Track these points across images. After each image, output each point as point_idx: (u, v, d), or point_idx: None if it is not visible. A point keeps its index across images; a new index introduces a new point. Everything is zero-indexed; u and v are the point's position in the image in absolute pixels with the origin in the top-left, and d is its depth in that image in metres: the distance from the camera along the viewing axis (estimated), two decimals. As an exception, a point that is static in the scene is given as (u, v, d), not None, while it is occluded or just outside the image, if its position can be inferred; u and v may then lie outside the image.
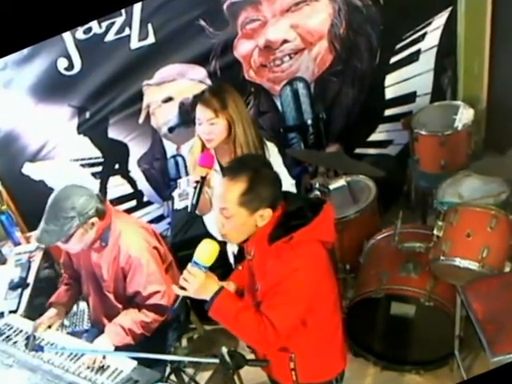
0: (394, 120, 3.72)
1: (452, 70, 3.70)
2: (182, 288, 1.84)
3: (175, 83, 3.37)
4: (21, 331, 2.50)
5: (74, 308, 2.95)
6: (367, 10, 3.38)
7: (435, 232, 2.66)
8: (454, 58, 3.66)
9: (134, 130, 3.47)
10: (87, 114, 3.35)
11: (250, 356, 2.07)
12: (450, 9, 3.50)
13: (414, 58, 3.59)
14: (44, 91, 3.22)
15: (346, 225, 3.14)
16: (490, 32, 3.53)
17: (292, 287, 1.83)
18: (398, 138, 3.79)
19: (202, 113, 2.36)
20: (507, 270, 2.56)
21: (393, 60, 3.58)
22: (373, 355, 2.97)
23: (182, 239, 3.22)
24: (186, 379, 2.82)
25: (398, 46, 3.55)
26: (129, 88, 3.33)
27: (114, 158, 3.55)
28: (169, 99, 3.42)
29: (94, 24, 3.05)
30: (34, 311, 2.78)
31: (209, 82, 3.36)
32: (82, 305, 2.97)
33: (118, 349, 2.36)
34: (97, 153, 3.49)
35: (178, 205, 3.41)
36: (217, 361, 1.85)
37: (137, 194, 3.67)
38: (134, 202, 3.68)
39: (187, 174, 3.30)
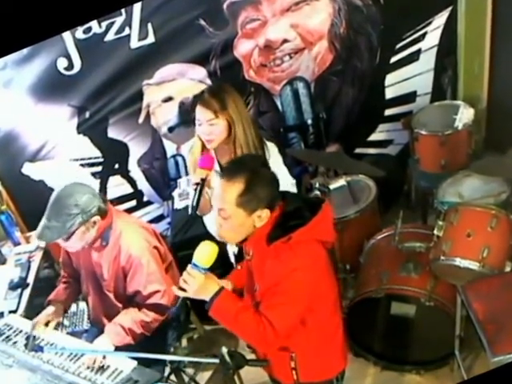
0: (394, 120, 3.72)
1: (452, 70, 3.70)
2: (182, 289, 1.86)
3: (175, 83, 3.37)
4: (21, 331, 2.50)
5: (74, 308, 2.95)
6: (367, 9, 3.38)
7: (435, 232, 2.65)
8: (455, 57, 3.65)
9: (133, 129, 3.46)
10: (87, 114, 3.35)
11: (250, 356, 2.07)
12: (450, 8, 3.50)
13: (414, 57, 3.59)
14: (44, 91, 3.22)
15: (346, 225, 3.14)
16: (490, 31, 3.52)
17: (291, 287, 1.83)
18: (398, 137, 3.79)
19: (201, 114, 2.35)
20: (508, 269, 2.55)
21: (393, 59, 3.58)
22: (373, 355, 2.96)
23: (182, 239, 3.22)
24: (186, 379, 2.82)
25: (399, 46, 3.55)
26: (129, 88, 3.33)
27: (113, 158, 3.54)
28: (169, 99, 3.41)
29: (93, 24, 3.05)
30: (33, 311, 2.78)
31: (209, 81, 3.36)
32: (82, 305, 2.97)
33: (117, 349, 2.36)
34: (97, 152, 3.49)
35: (178, 204, 3.41)
36: (217, 361, 1.85)
37: (137, 194, 3.67)
38: (133, 202, 3.68)
39: (187, 173, 3.31)
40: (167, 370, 2.64)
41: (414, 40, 3.54)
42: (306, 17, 3.31)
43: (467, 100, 3.52)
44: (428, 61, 3.61)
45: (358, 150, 3.78)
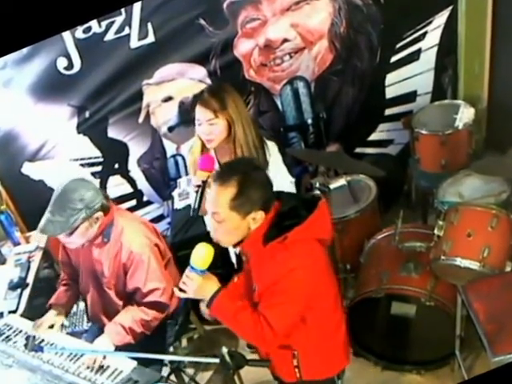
0: (395, 119, 3.71)
1: (453, 69, 3.69)
2: (182, 290, 1.90)
3: (175, 82, 3.36)
4: (20, 331, 2.51)
5: (74, 308, 2.95)
6: (367, 8, 3.37)
7: (436, 231, 2.65)
8: (455, 57, 3.65)
9: (133, 129, 3.46)
10: (87, 114, 3.35)
11: (250, 356, 2.08)
12: (450, 8, 3.49)
13: (414, 57, 3.58)
14: (43, 90, 3.21)
15: (346, 224, 3.14)
16: (490, 31, 3.52)
17: (288, 287, 1.84)
18: (398, 137, 3.79)
19: (201, 113, 2.35)
20: (508, 269, 2.55)
21: (393, 59, 3.57)
22: (373, 355, 2.96)
23: (182, 239, 3.22)
24: (186, 379, 2.82)
25: (399, 45, 3.54)
26: (128, 87, 3.32)
27: (113, 158, 3.54)
28: (169, 98, 3.41)
29: (93, 23, 3.04)
30: (33, 311, 2.78)
31: (209, 81, 3.36)
32: (82, 305, 2.97)
33: (118, 348, 2.36)
34: (96, 152, 3.49)
35: (178, 204, 3.41)
36: (217, 361, 1.85)
37: (136, 194, 3.67)
38: (133, 202, 3.68)
39: (187, 173, 3.31)
40: (167, 370, 2.65)
41: (414, 39, 3.54)
42: (306, 16, 3.31)
43: (467, 99, 3.51)
44: (428, 60, 3.61)
45: (358, 150, 3.77)
